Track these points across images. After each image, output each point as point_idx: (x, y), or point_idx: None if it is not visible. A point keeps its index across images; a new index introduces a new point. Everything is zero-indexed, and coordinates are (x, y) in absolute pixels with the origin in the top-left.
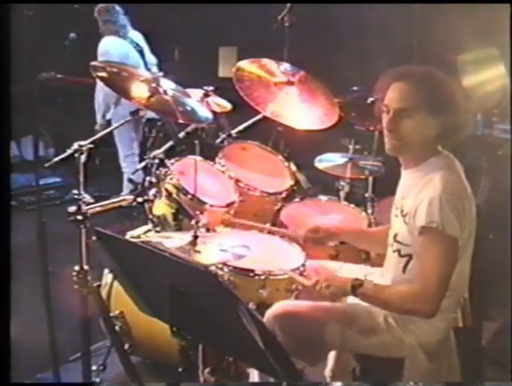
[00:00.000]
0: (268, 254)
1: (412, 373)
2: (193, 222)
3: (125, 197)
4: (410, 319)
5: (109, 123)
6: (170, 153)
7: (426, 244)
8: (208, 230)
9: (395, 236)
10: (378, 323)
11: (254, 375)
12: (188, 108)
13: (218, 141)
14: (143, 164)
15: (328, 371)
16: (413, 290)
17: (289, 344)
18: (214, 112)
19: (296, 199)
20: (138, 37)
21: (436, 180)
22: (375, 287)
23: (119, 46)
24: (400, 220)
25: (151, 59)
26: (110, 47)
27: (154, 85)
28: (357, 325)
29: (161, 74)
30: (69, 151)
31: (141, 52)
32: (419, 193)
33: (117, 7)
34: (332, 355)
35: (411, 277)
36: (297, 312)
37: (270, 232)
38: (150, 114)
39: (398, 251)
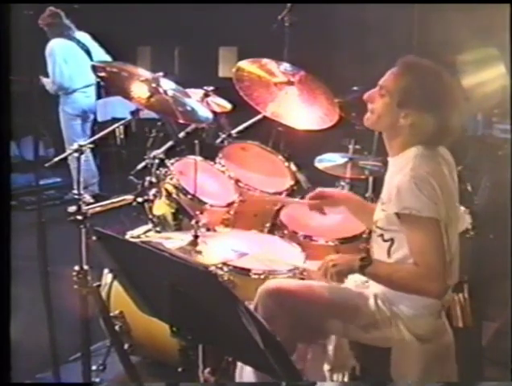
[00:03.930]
0: (268, 254)
1: (400, 359)
2: (193, 222)
3: (125, 197)
4: (398, 299)
5: (110, 122)
6: (170, 153)
7: (408, 230)
8: (208, 230)
9: (376, 222)
10: (369, 306)
11: (251, 375)
12: (188, 108)
13: (218, 141)
14: (143, 164)
15: (326, 366)
16: (419, 271)
17: (281, 321)
18: (214, 112)
19: (296, 200)
20: (84, 37)
21: (407, 167)
22: (384, 266)
23: (64, 46)
24: (379, 207)
25: (100, 57)
26: (55, 48)
27: (154, 85)
28: (347, 308)
29: (161, 74)
30: (69, 151)
31: (87, 51)
32: (391, 180)
33: (60, 12)
34: (330, 349)
35: (396, 260)
36: (287, 288)
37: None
38: (149, 114)
39: (381, 236)
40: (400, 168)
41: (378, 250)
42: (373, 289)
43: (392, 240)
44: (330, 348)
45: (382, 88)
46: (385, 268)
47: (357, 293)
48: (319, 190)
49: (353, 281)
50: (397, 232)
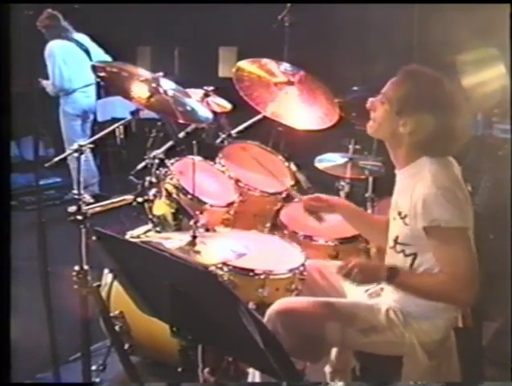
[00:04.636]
0: (268, 254)
1: (411, 371)
2: (192, 222)
3: (125, 197)
4: (412, 316)
5: (110, 122)
6: (170, 153)
7: (438, 243)
8: (207, 230)
9: (396, 238)
10: (380, 320)
11: (255, 375)
12: (188, 108)
13: (218, 141)
14: (143, 164)
15: (328, 368)
16: (453, 281)
17: (290, 341)
18: (214, 112)
19: (296, 199)
20: (83, 38)
21: (428, 177)
22: (412, 276)
23: (63, 47)
24: (399, 223)
25: (100, 57)
26: (54, 49)
27: (154, 85)
28: (358, 323)
29: (161, 74)
30: (69, 151)
31: (87, 51)
32: (413, 192)
33: (58, 14)
34: (333, 352)
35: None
36: (298, 308)
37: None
38: (149, 114)
39: (403, 251)
40: (417, 178)
41: (397, 266)
42: (387, 301)
43: (415, 255)
44: (333, 350)
45: (383, 95)
46: (414, 279)
47: (367, 306)
48: (316, 195)
49: (365, 291)
50: (420, 246)
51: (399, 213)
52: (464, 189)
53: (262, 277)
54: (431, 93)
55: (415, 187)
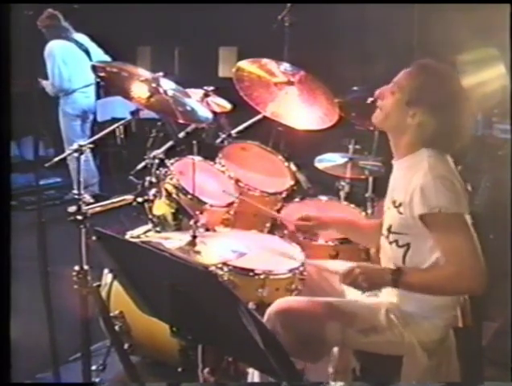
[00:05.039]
0: (268, 254)
1: (411, 371)
2: (192, 222)
3: (125, 197)
4: (411, 316)
5: (110, 122)
6: (170, 153)
7: (439, 230)
8: (207, 230)
9: (390, 227)
10: (379, 320)
11: (254, 376)
12: (188, 108)
13: (218, 141)
14: (143, 164)
15: (330, 368)
16: (460, 271)
17: (290, 341)
18: (214, 112)
19: (296, 199)
20: (83, 38)
21: (425, 167)
22: (418, 274)
23: (63, 47)
24: (393, 211)
25: (99, 57)
26: (54, 49)
27: (154, 85)
28: (357, 323)
29: (161, 74)
30: (69, 151)
31: (86, 51)
32: (410, 181)
33: (58, 14)
34: (334, 352)
35: (412, 265)
36: (297, 308)
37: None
38: (149, 114)
39: (396, 241)
40: (414, 169)
41: (391, 257)
42: (386, 301)
43: (408, 245)
44: (334, 350)
45: (394, 85)
46: (420, 277)
47: (366, 306)
48: (305, 214)
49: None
50: (413, 236)
51: (394, 202)
52: (460, 180)
53: (262, 277)
54: (444, 88)
55: (412, 177)
